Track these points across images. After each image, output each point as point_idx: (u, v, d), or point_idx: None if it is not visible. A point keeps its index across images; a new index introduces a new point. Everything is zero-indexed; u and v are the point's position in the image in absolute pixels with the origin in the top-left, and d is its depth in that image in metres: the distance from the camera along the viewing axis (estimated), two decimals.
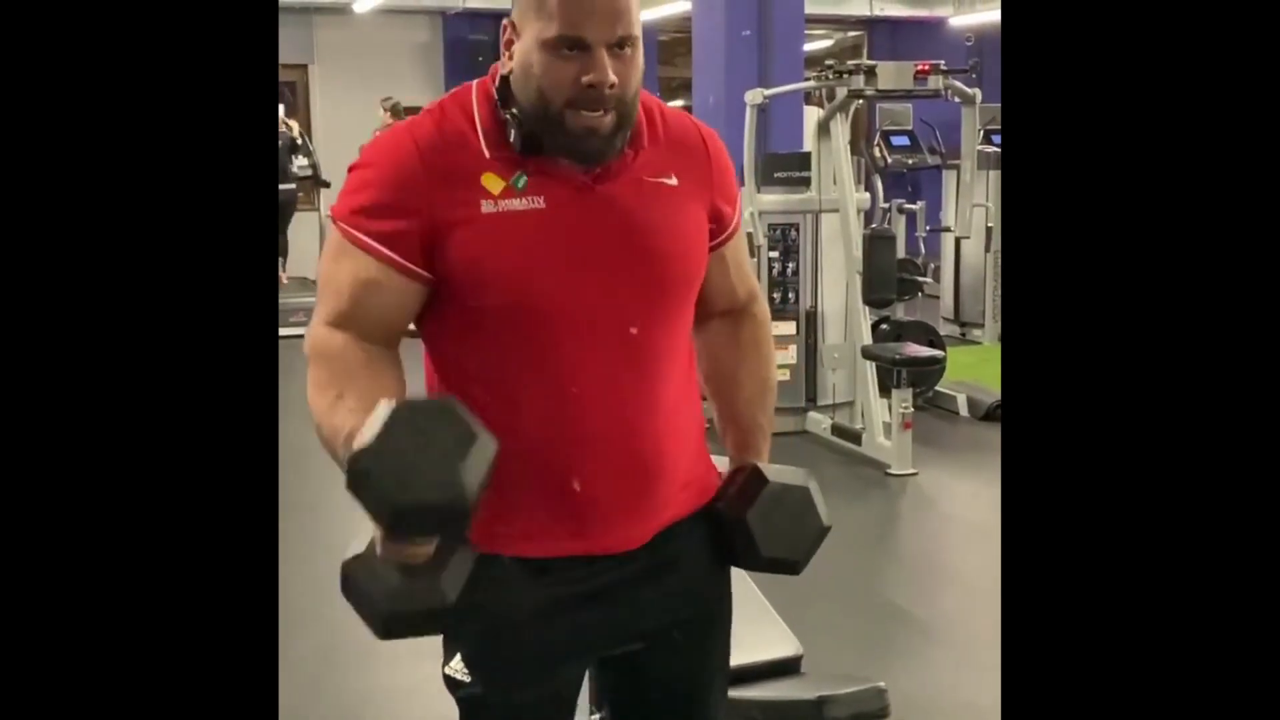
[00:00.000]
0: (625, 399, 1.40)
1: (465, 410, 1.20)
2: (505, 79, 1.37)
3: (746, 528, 1.49)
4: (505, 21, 1.37)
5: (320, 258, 1.40)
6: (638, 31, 1.34)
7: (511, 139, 1.35)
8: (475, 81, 1.41)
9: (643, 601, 1.46)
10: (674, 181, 1.42)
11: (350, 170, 1.40)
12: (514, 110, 1.35)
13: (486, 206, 1.34)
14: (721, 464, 1.60)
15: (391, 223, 1.34)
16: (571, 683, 1.51)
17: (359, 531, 1.37)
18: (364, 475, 1.14)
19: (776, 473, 1.53)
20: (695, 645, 1.54)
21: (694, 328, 1.54)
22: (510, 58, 1.36)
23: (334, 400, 1.31)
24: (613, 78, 1.30)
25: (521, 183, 1.35)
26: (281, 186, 9.33)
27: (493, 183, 1.34)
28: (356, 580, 1.28)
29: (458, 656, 1.46)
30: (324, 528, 4.49)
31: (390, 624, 1.28)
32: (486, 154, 1.35)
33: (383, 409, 1.17)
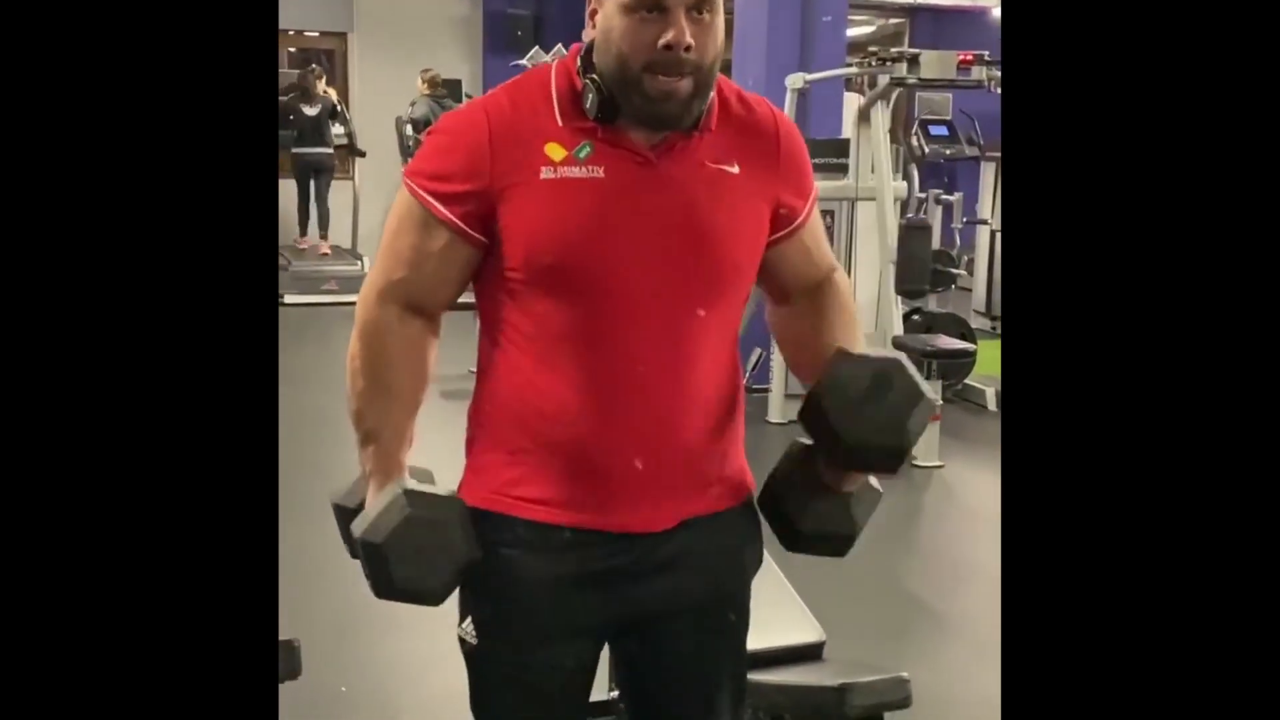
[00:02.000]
0: (664, 376, 1.40)
1: (461, 518, 1.41)
2: (589, 50, 1.40)
3: (818, 405, 1.39)
4: None
5: (389, 216, 1.45)
6: None
7: (588, 105, 1.37)
8: (555, 59, 1.45)
9: (656, 585, 1.46)
10: (735, 170, 1.42)
11: (429, 133, 1.46)
12: (593, 75, 1.37)
13: (545, 173, 1.36)
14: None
15: (454, 186, 1.38)
16: (581, 658, 1.50)
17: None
18: (367, 557, 1.40)
19: (867, 350, 1.45)
20: (710, 636, 1.53)
21: (775, 307, 1.58)
22: (594, 27, 1.39)
23: (367, 390, 1.44)
24: (689, 39, 1.32)
25: (584, 153, 1.37)
26: (318, 150, 9.37)
27: (555, 151, 1.37)
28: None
29: (469, 619, 1.48)
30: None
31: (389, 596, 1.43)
32: (559, 122, 1.38)
33: (395, 503, 1.39)
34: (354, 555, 1.47)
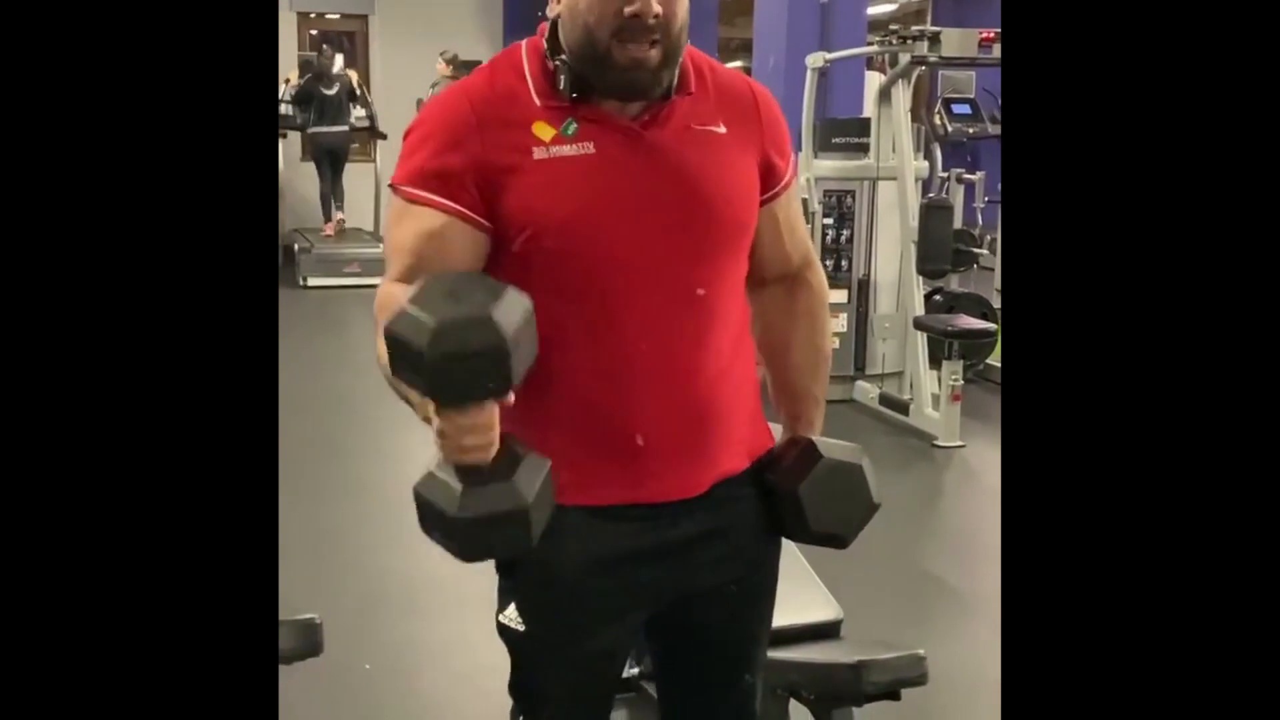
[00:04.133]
0: (677, 344, 1.41)
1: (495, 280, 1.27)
2: (554, 28, 1.39)
3: (798, 501, 1.50)
4: None
5: (387, 221, 1.43)
6: None
7: (561, 86, 1.37)
8: (525, 40, 1.43)
9: (697, 560, 1.47)
10: (722, 129, 1.43)
11: (406, 135, 1.43)
12: (562, 56, 1.37)
13: (538, 153, 1.36)
14: (777, 430, 1.61)
15: (446, 173, 1.36)
16: (623, 638, 1.52)
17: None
18: (400, 336, 1.18)
19: (829, 448, 1.54)
20: (744, 606, 1.55)
21: (749, 293, 1.55)
22: (558, 3, 1.38)
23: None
24: (656, 7, 1.32)
25: (571, 129, 1.37)
26: (335, 129, 9.38)
27: (543, 130, 1.37)
28: (426, 499, 1.27)
29: (512, 605, 1.48)
30: (371, 477, 4.56)
31: (469, 533, 1.26)
32: (537, 103, 1.38)
33: (417, 282, 1.23)
34: (424, 522, 1.29)
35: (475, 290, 1.23)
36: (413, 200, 1.38)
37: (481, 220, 1.37)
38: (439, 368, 1.19)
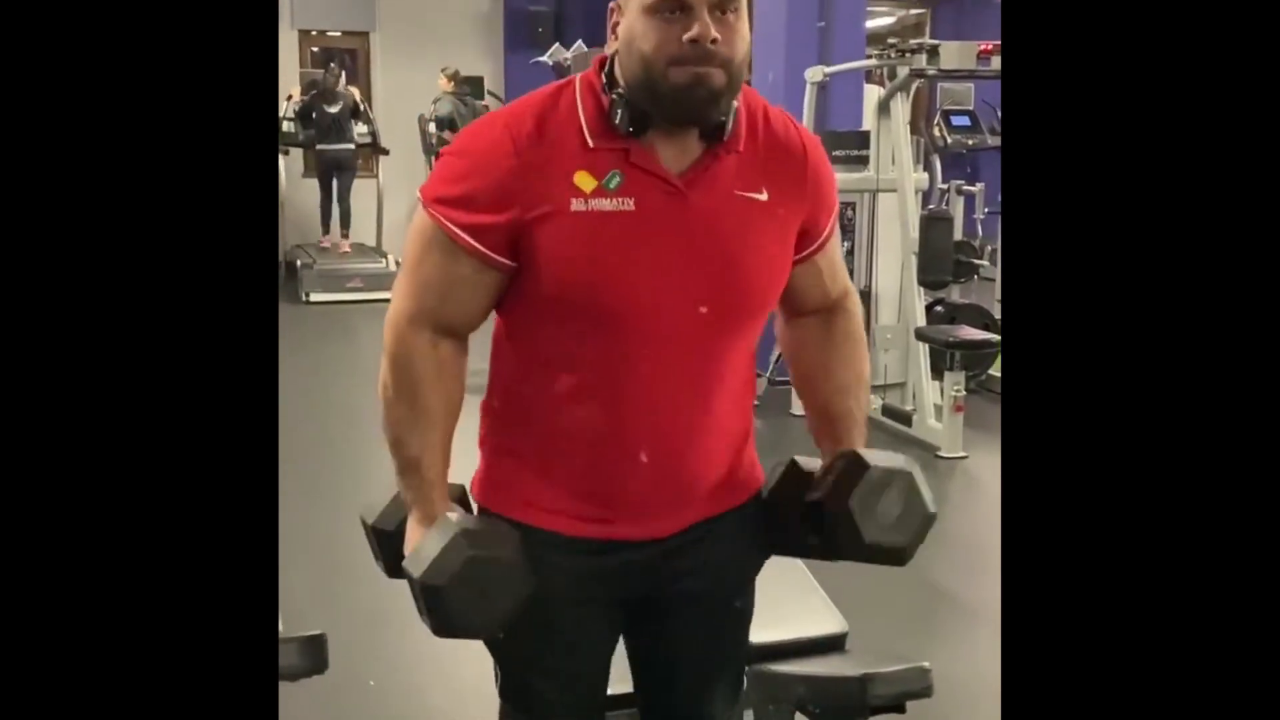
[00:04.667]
0: (686, 404, 1.43)
1: (518, 552, 1.39)
2: (611, 65, 1.38)
3: (849, 515, 1.42)
4: (611, 5, 1.38)
5: (407, 238, 1.44)
6: None
7: (618, 120, 1.35)
8: (578, 74, 1.42)
9: (667, 573, 1.50)
10: (764, 197, 1.41)
11: (444, 154, 1.43)
12: (619, 90, 1.36)
13: (576, 205, 1.34)
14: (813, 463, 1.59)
15: (481, 217, 1.36)
16: (597, 640, 1.55)
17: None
18: (427, 600, 1.37)
19: (875, 457, 1.47)
20: (714, 619, 1.57)
21: (785, 324, 1.58)
22: (615, 38, 1.37)
23: (405, 417, 1.43)
24: (714, 32, 1.29)
25: (614, 183, 1.35)
26: (339, 146, 9.42)
27: (585, 181, 1.35)
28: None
29: None
30: (377, 489, 4.55)
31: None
32: (590, 143, 1.36)
33: (454, 543, 1.36)
34: (390, 575, 1.49)
35: (501, 601, 1.38)
36: (443, 230, 1.38)
37: (504, 261, 1.38)
38: (440, 632, 1.40)
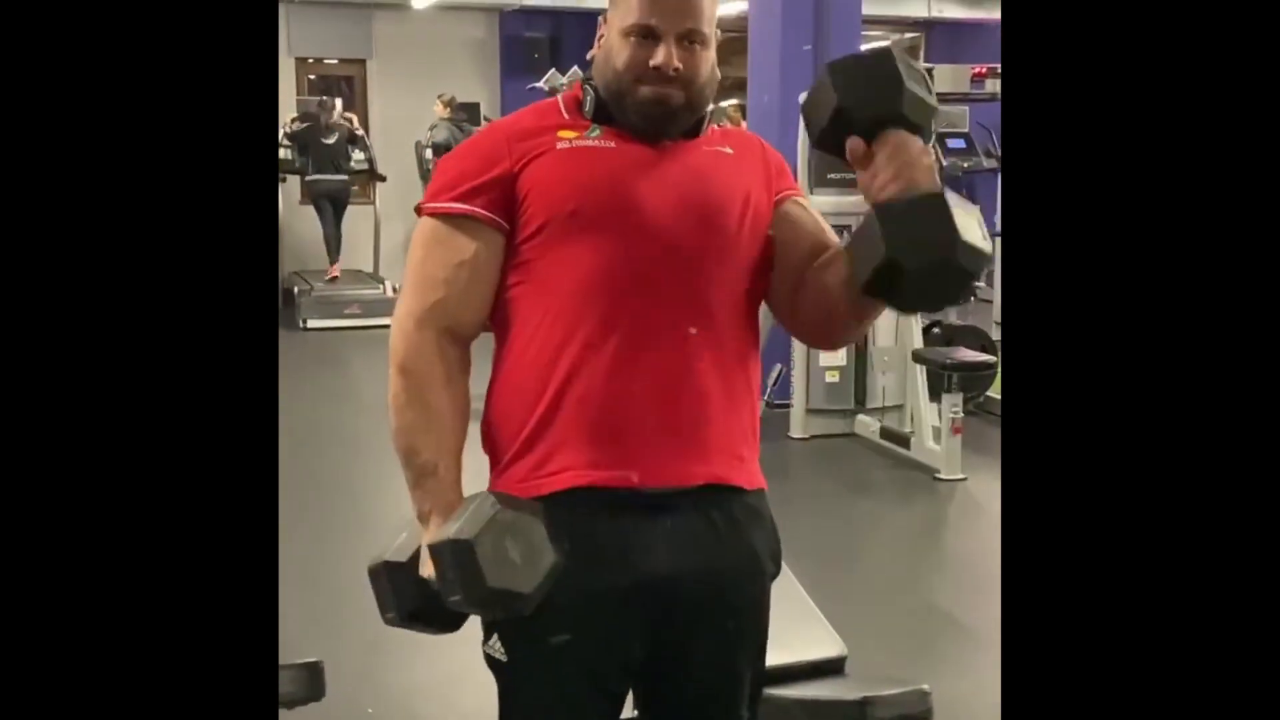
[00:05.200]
0: (680, 329, 1.46)
1: (544, 521, 1.37)
2: (592, 65, 1.55)
3: (873, 223, 1.33)
4: (601, 18, 1.55)
5: (409, 254, 1.50)
6: (707, 30, 1.50)
7: (586, 107, 1.53)
8: (570, 83, 1.57)
9: (684, 565, 1.46)
10: (730, 151, 1.57)
11: (439, 162, 1.59)
12: (593, 84, 1.53)
13: (561, 144, 1.49)
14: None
15: (472, 182, 1.47)
16: (606, 657, 1.49)
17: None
18: (456, 559, 1.33)
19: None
20: (726, 640, 1.53)
21: (801, 287, 1.54)
22: (599, 47, 1.54)
23: (416, 421, 1.45)
24: (677, 63, 1.46)
25: (594, 133, 1.51)
26: (334, 178, 9.44)
27: (568, 132, 1.51)
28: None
29: (495, 636, 1.49)
30: (374, 516, 4.55)
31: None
32: (565, 117, 1.53)
33: (483, 503, 1.36)
34: (401, 619, 1.46)
35: (533, 564, 1.34)
36: (441, 213, 1.48)
37: (501, 222, 1.47)
38: (468, 604, 1.37)
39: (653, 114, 1.48)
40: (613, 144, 1.50)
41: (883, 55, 1.40)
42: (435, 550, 1.36)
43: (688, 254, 1.47)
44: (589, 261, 1.45)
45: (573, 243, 1.45)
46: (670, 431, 1.45)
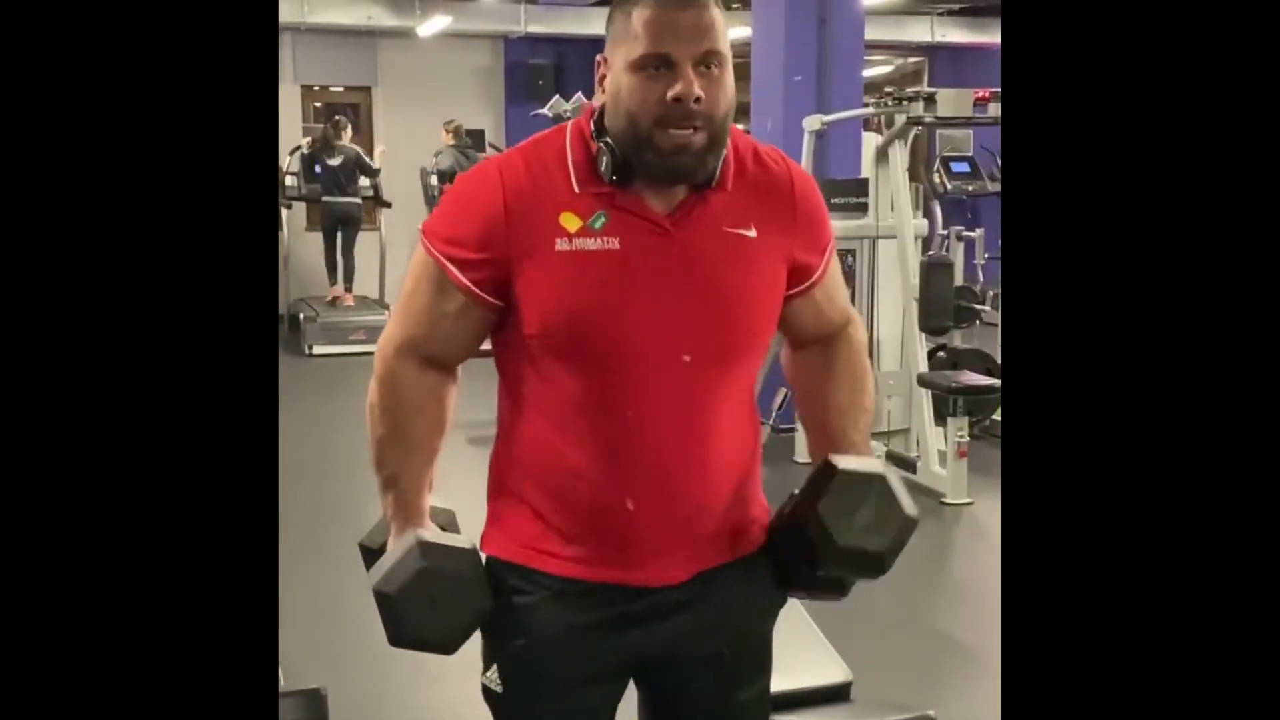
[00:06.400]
0: (682, 441, 1.41)
1: (474, 570, 1.45)
2: (601, 115, 1.40)
3: (819, 519, 1.39)
4: (599, 58, 1.40)
5: (408, 269, 1.48)
6: (724, 49, 1.35)
7: (603, 168, 1.37)
8: (570, 121, 1.44)
9: (677, 630, 1.47)
10: (753, 234, 1.42)
11: (445, 194, 1.49)
12: (607, 139, 1.37)
13: (560, 245, 1.36)
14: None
15: (470, 255, 1.39)
16: (602, 700, 1.51)
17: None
18: (381, 606, 1.44)
19: (846, 462, 1.44)
20: (728, 679, 1.53)
21: (789, 353, 1.60)
22: (603, 91, 1.39)
23: (386, 437, 1.49)
24: (698, 91, 1.31)
25: (599, 223, 1.37)
26: (344, 200, 9.46)
27: (570, 221, 1.37)
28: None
29: (494, 668, 1.49)
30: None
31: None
32: (576, 189, 1.38)
33: (409, 554, 1.43)
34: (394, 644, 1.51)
35: (453, 614, 1.44)
36: (435, 260, 1.42)
37: (492, 300, 1.41)
38: (396, 642, 1.46)
39: (675, 167, 1.35)
40: (617, 243, 1.36)
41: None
42: (373, 589, 1.45)
43: (693, 359, 1.39)
44: (587, 381, 1.39)
45: (570, 362, 1.39)
46: (674, 539, 1.44)
